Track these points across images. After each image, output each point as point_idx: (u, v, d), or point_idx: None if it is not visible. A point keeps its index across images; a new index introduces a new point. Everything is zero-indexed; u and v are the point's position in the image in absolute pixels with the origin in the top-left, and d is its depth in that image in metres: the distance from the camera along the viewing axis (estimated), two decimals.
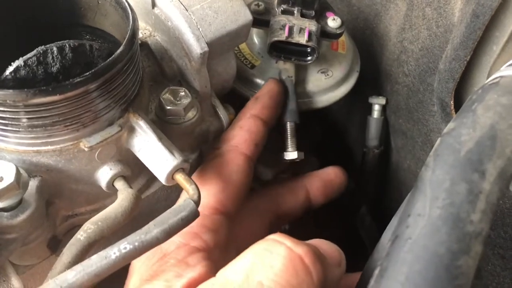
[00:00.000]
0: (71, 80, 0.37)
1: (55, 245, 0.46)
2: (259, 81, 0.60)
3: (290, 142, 0.56)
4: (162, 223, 0.38)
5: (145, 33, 0.51)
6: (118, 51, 0.39)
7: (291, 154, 0.56)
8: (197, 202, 0.40)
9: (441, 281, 0.30)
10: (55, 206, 0.45)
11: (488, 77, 0.52)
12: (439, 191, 0.35)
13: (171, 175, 0.42)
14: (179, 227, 0.39)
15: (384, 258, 0.34)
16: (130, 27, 0.41)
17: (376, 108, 0.70)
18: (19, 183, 0.38)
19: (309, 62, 0.58)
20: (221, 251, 0.46)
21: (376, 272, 0.34)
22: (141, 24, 0.51)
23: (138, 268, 0.43)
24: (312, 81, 0.62)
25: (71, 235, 0.43)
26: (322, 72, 0.62)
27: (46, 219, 0.44)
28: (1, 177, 0.38)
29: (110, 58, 0.38)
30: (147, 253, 0.42)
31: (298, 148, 0.56)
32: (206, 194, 0.47)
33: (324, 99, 0.62)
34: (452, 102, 0.56)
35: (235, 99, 0.59)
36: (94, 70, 0.38)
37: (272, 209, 0.57)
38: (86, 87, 0.38)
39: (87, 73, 0.37)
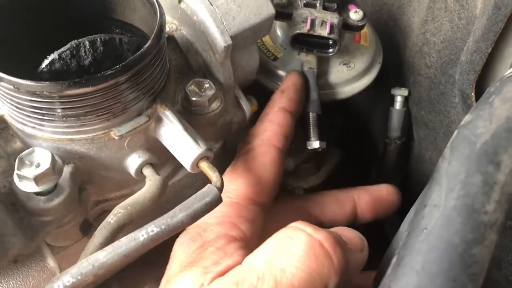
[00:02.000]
0: (102, 72, 0.39)
1: (87, 229, 0.49)
2: (281, 73, 0.62)
3: (312, 132, 0.57)
4: (187, 208, 0.41)
5: (171, 27, 0.53)
6: (147, 45, 0.41)
7: (314, 144, 0.57)
8: (220, 189, 0.42)
9: (456, 270, 0.31)
10: (87, 192, 0.48)
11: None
12: (455, 182, 0.36)
13: (195, 163, 0.44)
14: (203, 212, 0.41)
15: (400, 248, 0.35)
16: (157, 21, 0.43)
17: (399, 99, 0.70)
18: (55, 169, 0.41)
19: (330, 54, 0.59)
20: (257, 241, 0.47)
21: (393, 261, 0.35)
22: (168, 18, 0.53)
23: (179, 254, 0.45)
24: (334, 72, 0.63)
25: (102, 219, 0.45)
26: (344, 64, 0.63)
27: (79, 203, 0.47)
28: (38, 163, 0.41)
29: (138, 52, 0.41)
30: (187, 241, 0.45)
31: (321, 138, 0.57)
32: (242, 186, 0.49)
33: (346, 91, 0.63)
34: (473, 94, 0.56)
35: (258, 91, 0.60)
36: (124, 64, 0.40)
37: (316, 214, 0.57)
38: (116, 80, 0.40)
39: (117, 66, 0.39)
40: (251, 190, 0.49)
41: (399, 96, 0.70)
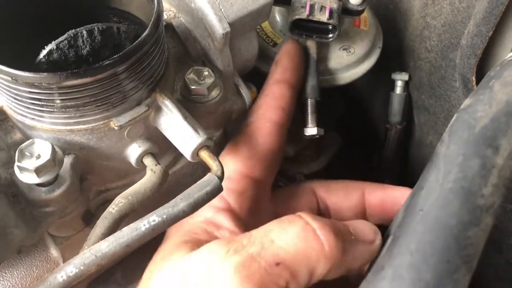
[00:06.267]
0: (100, 62, 0.39)
1: (89, 218, 0.49)
2: None
3: (310, 118, 0.57)
4: (188, 197, 0.41)
5: (169, 14, 0.52)
6: (144, 34, 0.41)
7: (311, 130, 0.57)
8: (221, 178, 0.42)
9: (450, 251, 0.32)
10: (88, 182, 0.48)
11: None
12: (452, 165, 0.36)
13: (196, 152, 0.44)
14: (203, 201, 0.41)
15: (396, 228, 0.36)
16: (155, 9, 0.42)
17: (399, 84, 0.70)
18: (55, 160, 0.41)
19: (330, 39, 0.58)
20: (252, 213, 0.49)
21: (389, 241, 0.35)
22: (166, 5, 0.53)
23: (174, 232, 0.46)
24: (334, 58, 0.62)
25: (104, 208, 0.46)
26: (344, 49, 0.63)
27: (80, 194, 0.47)
28: (39, 154, 0.41)
29: (136, 41, 0.40)
30: None
31: (319, 125, 0.57)
32: (234, 161, 0.50)
33: (346, 76, 0.63)
34: (474, 78, 0.56)
35: (258, 78, 0.60)
36: (122, 53, 0.40)
37: (321, 195, 0.56)
38: (114, 69, 0.40)
39: (115, 56, 0.39)
40: (242, 164, 0.50)
41: (399, 80, 0.70)
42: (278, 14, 0.63)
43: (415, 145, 0.75)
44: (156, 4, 0.43)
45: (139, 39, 0.40)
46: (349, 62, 0.63)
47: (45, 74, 0.38)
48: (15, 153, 0.42)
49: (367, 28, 0.65)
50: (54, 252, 0.47)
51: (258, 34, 0.61)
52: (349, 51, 0.63)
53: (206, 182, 0.42)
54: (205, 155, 0.44)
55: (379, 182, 0.75)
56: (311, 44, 0.60)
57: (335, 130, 0.75)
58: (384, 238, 0.39)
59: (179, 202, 0.41)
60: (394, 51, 0.72)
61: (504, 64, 0.42)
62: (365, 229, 0.43)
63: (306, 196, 0.56)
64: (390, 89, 0.71)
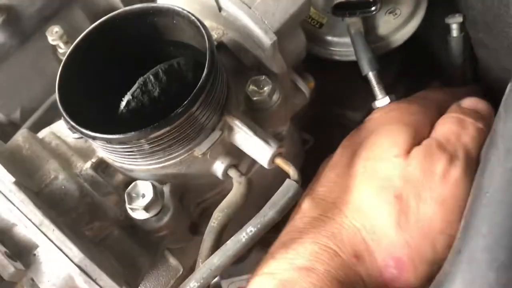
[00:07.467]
0: (175, 111, 0.44)
1: (195, 229, 0.57)
2: (330, 38, 0.63)
3: (378, 90, 0.59)
4: (274, 205, 0.47)
5: (218, 33, 0.56)
6: (204, 74, 0.45)
7: (383, 101, 0.59)
8: (298, 181, 0.47)
9: None
10: (187, 200, 0.55)
11: None
12: (511, 143, 0.38)
13: (271, 161, 0.49)
14: (288, 206, 0.47)
15: (467, 212, 0.39)
16: (208, 48, 0.46)
17: (454, 27, 0.69)
18: (157, 195, 0.48)
19: (374, 12, 0.59)
20: None
21: (462, 224, 0.39)
22: (213, 24, 0.56)
23: None
24: (382, 24, 0.63)
25: (205, 217, 0.53)
26: (390, 13, 0.63)
27: (183, 210, 0.54)
28: (143, 194, 0.48)
29: (199, 84, 0.45)
30: None
31: (388, 91, 0.59)
32: None
33: (398, 38, 0.64)
34: None
35: (312, 61, 0.63)
36: (190, 97, 0.45)
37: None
38: (189, 113, 0.45)
39: (185, 103, 0.44)
40: None
41: (454, 24, 0.69)
42: None
43: (482, 74, 0.74)
44: (207, 42, 0.47)
45: (200, 82, 0.45)
46: (397, 24, 0.63)
47: (132, 133, 0.44)
48: (121, 191, 0.50)
49: None
50: (173, 261, 0.56)
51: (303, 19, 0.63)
52: (396, 13, 0.63)
53: (287, 188, 0.47)
54: (280, 162, 0.49)
55: None
56: (356, 21, 0.61)
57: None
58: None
59: (267, 211, 0.47)
60: None
61: None
62: (485, 108, 0.57)
63: None
64: (445, 31, 0.70)
